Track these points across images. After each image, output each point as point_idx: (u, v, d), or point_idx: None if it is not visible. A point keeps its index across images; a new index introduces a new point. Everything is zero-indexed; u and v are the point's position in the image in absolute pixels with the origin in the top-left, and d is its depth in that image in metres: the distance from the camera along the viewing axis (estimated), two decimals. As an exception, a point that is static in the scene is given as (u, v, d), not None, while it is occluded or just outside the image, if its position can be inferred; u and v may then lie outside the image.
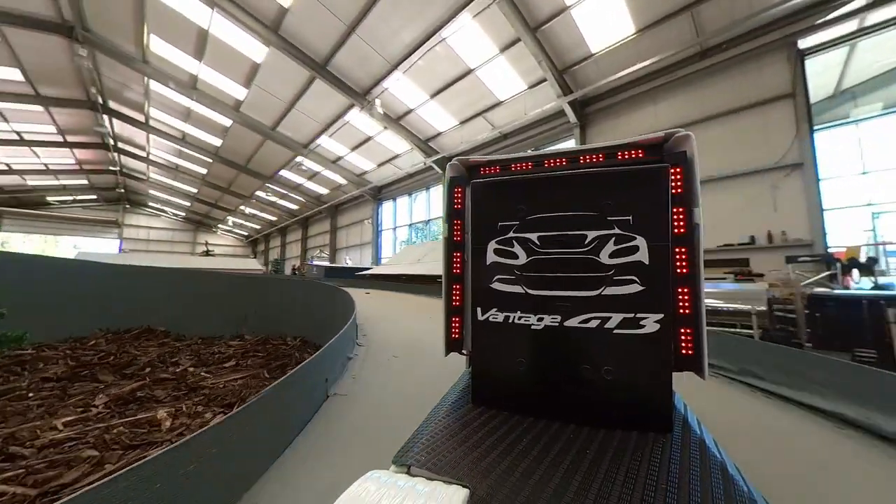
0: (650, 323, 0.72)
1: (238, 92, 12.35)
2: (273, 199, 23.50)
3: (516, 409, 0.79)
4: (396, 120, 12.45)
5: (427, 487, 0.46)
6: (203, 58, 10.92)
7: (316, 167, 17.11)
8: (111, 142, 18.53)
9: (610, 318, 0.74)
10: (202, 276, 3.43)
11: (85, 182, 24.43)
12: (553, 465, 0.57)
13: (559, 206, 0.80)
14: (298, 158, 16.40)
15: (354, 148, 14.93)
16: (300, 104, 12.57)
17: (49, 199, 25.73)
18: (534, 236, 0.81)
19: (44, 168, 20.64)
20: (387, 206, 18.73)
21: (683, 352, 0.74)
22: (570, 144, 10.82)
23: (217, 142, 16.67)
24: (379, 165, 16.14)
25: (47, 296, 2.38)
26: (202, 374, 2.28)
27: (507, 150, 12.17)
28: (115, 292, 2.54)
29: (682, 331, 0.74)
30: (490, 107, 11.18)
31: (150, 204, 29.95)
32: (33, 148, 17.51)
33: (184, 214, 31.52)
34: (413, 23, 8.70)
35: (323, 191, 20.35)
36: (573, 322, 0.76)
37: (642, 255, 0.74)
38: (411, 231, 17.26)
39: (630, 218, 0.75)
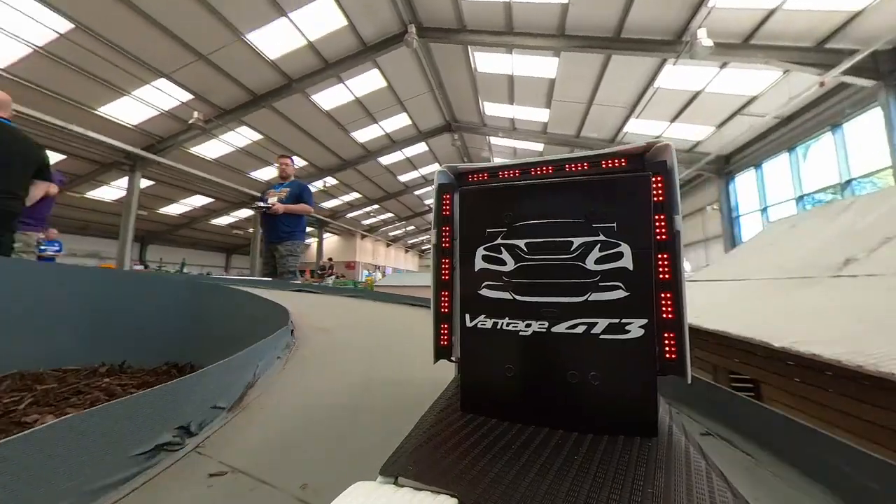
0: (635, 328, 0.70)
1: (542, 115, 13.52)
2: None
3: (505, 416, 0.76)
4: (743, 42, 8.19)
5: (415, 498, 0.48)
6: (514, 100, 12.98)
7: (628, 159, 15.17)
8: (480, 191, 27.42)
9: (596, 323, 0.72)
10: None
11: (473, 222, 37.71)
12: (542, 471, 0.56)
13: (546, 213, 0.77)
14: (607, 156, 15.33)
15: (675, 117, 11.58)
16: (598, 97, 11.60)
17: (461, 236, 42.28)
18: (521, 243, 0.78)
19: (456, 218, 34.17)
20: (743, 180, 13.00)
21: (667, 356, 0.72)
22: None
23: (536, 167, 19.35)
24: (719, 126, 11.48)
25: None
26: None
27: None
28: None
29: (666, 335, 0.72)
30: None
31: (506, 230, 40.79)
32: (450, 207, 29.32)
33: (526, 234, 39.93)
34: None
35: (641, 184, 17.71)
36: (560, 328, 0.74)
37: (626, 262, 0.71)
38: (801, 207, 10.55)
39: (614, 225, 0.73)
